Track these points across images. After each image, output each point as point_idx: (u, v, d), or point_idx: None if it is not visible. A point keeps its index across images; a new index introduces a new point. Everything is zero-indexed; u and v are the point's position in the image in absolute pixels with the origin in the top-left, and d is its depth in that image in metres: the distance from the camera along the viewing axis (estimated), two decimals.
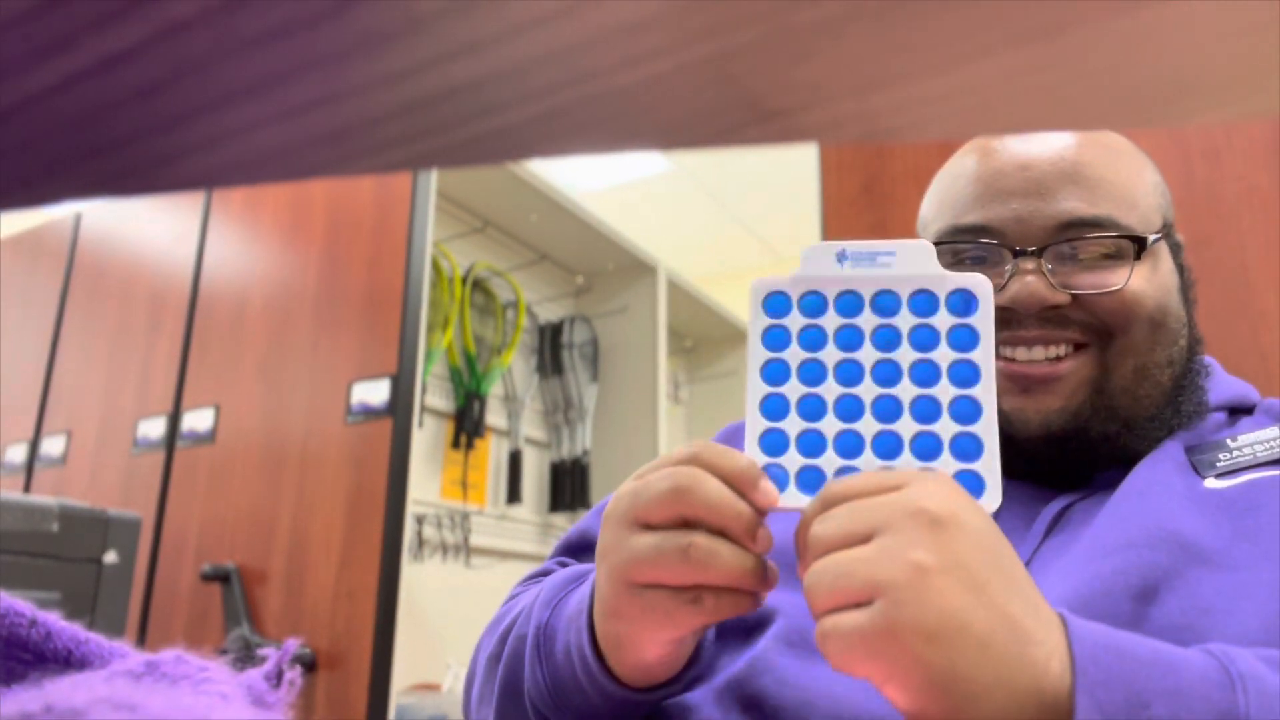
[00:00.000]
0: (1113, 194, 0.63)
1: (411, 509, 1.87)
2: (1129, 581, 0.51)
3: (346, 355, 2.02)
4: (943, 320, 0.46)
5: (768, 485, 0.45)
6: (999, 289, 0.62)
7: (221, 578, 1.97)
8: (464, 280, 2.60)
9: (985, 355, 0.47)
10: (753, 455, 0.46)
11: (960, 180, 0.67)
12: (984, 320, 0.47)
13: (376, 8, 0.17)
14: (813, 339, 0.46)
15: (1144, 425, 0.62)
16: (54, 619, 0.32)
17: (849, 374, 0.46)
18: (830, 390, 0.46)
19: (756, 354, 0.47)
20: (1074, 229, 0.62)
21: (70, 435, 2.52)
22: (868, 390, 0.45)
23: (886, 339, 0.45)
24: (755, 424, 0.47)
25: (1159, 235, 0.64)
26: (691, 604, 0.45)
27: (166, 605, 2.11)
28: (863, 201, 1.54)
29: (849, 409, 0.45)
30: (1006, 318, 0.62)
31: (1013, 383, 0.62)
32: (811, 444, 0.46)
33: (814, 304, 0.46)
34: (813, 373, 0.46)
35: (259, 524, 2.02)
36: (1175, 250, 0.67)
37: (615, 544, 0.46)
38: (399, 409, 1.90)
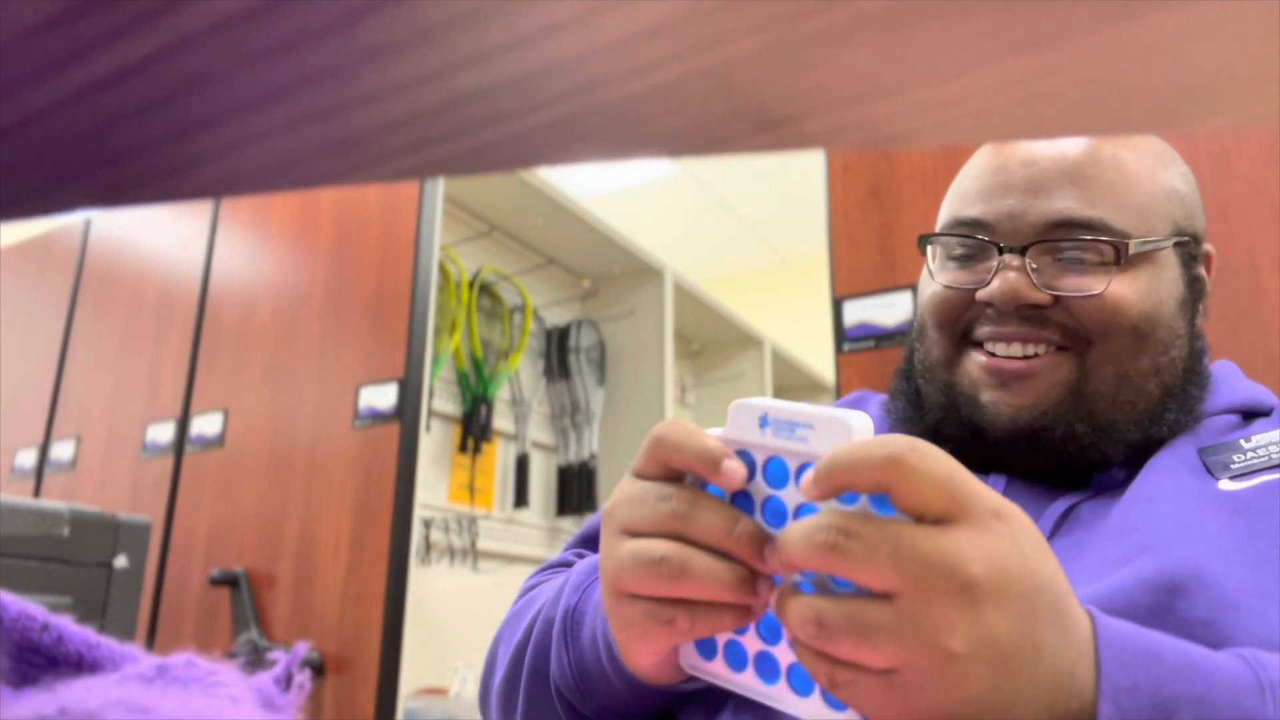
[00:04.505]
0: (1111, 196, 0.62)
1: (419, 513, 1.88)
2: (1143, 575, 0.50)
3: (354, 360, 2.02)
4: (864, 510, 0.40)
5: (730, 466, 0.42)
6: (984, 284, 0.63)
7: (230, 582, 1.98)
8: (471, 284, 2.60)
9: None
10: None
11: (969, 174, 0.68)
12: None
13: (385, 19, 0.17)
14: (743, 505, 0.43)
15: (1121, 431, 0.61)
16: (66, 623, 0.32)
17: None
18: None
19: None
20: (1064, 229, 0.61)
21: (80, 440, 2.53)
22: None
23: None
24: None
25: (1160, 243, 0.63)
26: (666, 624, 0.42)
27: (175, 609, 2.11)
28: (869, 205, 1.54)
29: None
30: (989, 313, 0.63)
31: (991, 376, 0.63)
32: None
33: (745, 463, 0.43)
34: None
35: (267, 528, 2.02)
36: (1189, 260, 0.65)
37: (606, 550, 0.45)
38: (406, 413, 1.90)
